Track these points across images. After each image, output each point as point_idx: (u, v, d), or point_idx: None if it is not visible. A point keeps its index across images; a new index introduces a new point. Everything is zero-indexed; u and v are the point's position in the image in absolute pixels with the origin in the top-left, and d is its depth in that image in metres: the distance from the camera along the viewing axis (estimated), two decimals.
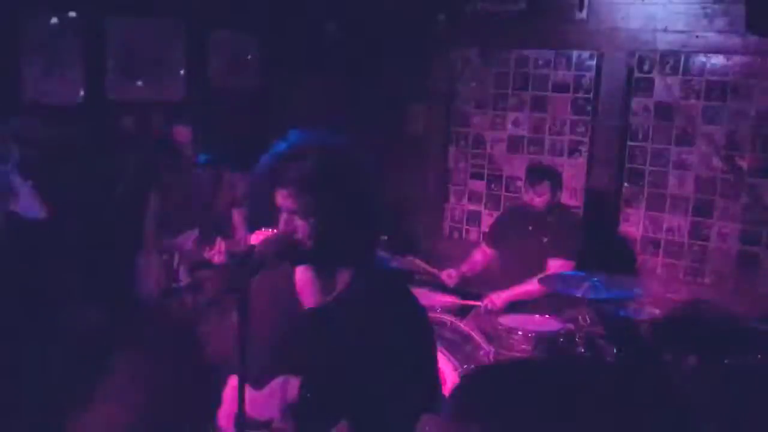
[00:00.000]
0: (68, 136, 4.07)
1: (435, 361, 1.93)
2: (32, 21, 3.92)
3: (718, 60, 4.47)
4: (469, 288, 4.59)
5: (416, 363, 1.82)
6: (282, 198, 1.76)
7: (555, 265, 4.15)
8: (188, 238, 3.86)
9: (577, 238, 4.23)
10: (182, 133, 3.82)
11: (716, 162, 4.55)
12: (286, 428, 1.77)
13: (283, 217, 1.77)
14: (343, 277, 1.86)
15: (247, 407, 1.68)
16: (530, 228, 4.30)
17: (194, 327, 3.94)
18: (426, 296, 4.37)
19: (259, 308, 1.90)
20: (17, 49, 3.89)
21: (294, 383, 1.78)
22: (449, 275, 4.44)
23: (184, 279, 3.89)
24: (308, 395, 1.75)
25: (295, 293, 1.89)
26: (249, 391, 1.74)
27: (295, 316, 1.86)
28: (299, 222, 1.76)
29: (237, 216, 3.97)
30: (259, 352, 1.84)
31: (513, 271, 4.30)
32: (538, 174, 4.25)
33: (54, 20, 4.00)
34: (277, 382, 1.80)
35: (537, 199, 4.20)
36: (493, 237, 4.62)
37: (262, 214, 1.83)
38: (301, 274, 1.90)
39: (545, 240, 4.23)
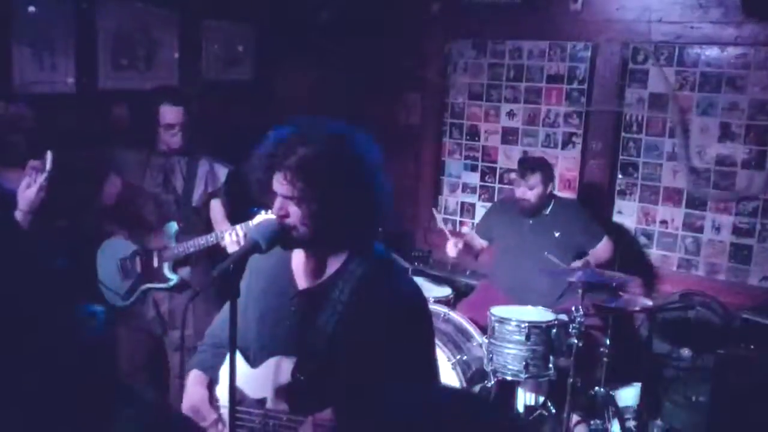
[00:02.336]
0: (60, 125, 4.02)
1: (432, 345, 1.92)
2: (23, 8, 3.88)
3: (712, 51, 4.47)
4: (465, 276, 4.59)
5: (411, 347, 1.81)
6: (278, 183, 1.74)
7: (600, 250, 4.19)
8: (168, 232, 3.51)
9: (593, 218, 4.28)
10: (171, 113, 3.39)
11: (710, 154, 4.55)
12: (278, 408, 1.76)
13: (278, 201, 1.76)
14: (338, 260, 1.85)
15: (242, 386, 1.68)
16: (531, 223, 4.26)
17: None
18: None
19: (255, 289, 1.90)
20: (9, 35, 3.84)
21: (287, 364, 1.77)
22: (456, 244, 4.30)
23: (172, 277, 3.53)
24: (301, 377, 1.74)
25: (290, 275, 1.88)
26: (244, 370, 1.73)
27: (289, 298, 1.86)
28: (293, 208, 1.75)
29: (216, 207, 3.66)
30: (255, 333, 1.83)
31: (517, 265, 4.24)
32: (529, 166, 4.20)
33: (45, 7, 3.95)
34: (271, 362, 1.79)
35: (529, 192, 4.16)
36: (485, 230, 4.58)
37: (258, 198, 1.82)
38: (297, 256, 1.89)
39: (557, 234, 4.20)
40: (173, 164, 3.56)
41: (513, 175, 4.69)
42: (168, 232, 3.52)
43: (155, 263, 3.52)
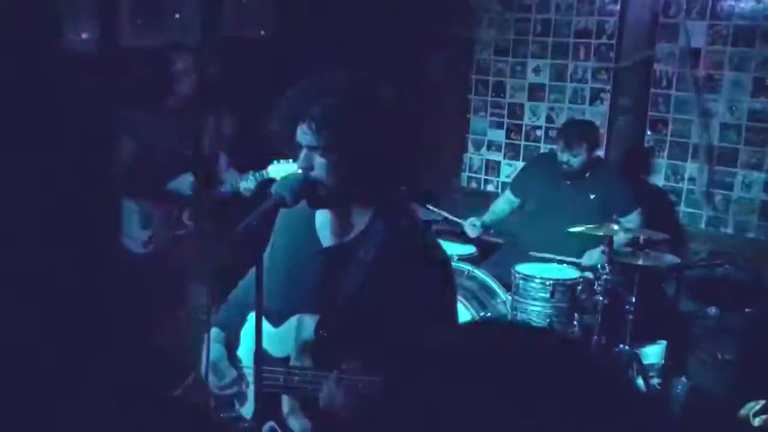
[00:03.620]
0: (80, 83, 4.02)
1: (454, 305, 1.91)
2: None
3: (748, 3, 4.32)
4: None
5: (434, 306, 1.80)
6: (303, 133, 1.72)
7: (630, 221, 4.07)
8: (184, 183, 3.67)
9: (630, 187, 4.19)
10: (180, 59, 3.58)
11: (742, 110, 4.43)
12: (301, 365, 1.77)
13: (302, 153, 1.74)
14: (363, 218, 1.83)
15: (265, 344, 1.68)
16: (569, 184, 4.17)
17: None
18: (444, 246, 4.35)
19: (278, 247, 1.89)
20: None
21: (310, 322, 1.77)
22: (473, 224, 4.36)
23: (190, 224, 3.73)
24: (324, 334, 1.74)
25: (315, 232, 1.87)
26: (267, 329, 1.73)
27: (313, 255, 1.85)
28: (318, 159, 1.72)
29: (222, 158, 3.85)
30: (277, 291, 1.83)
31: (548, 225, 4.14)
32: (575, 135, 4.04)
33: None
34: (294, 320, 1.79)
35: (573, 159, 4.05)
36: (520, 187, 4.51)
37: (282, 148, 1.82)
38: (321, 214, 1.87)
39: (592, 197, 4.12)
40: (185, 120, 3.69)
41: (542, 132, 4.62)
42: (185, 183, 3.69)
43: (174, 213, 3.72)
